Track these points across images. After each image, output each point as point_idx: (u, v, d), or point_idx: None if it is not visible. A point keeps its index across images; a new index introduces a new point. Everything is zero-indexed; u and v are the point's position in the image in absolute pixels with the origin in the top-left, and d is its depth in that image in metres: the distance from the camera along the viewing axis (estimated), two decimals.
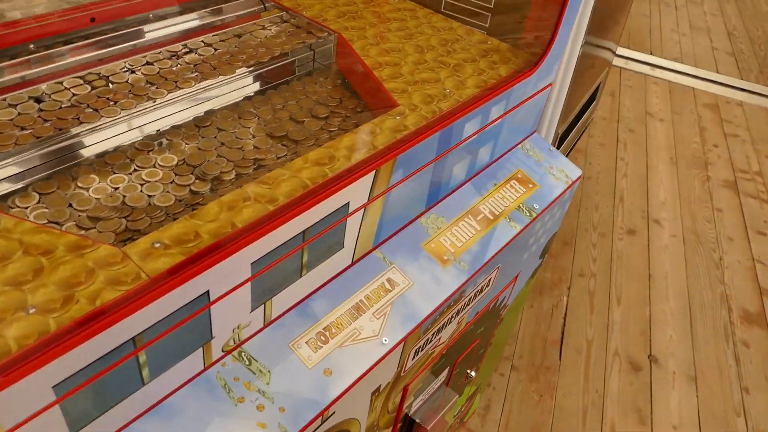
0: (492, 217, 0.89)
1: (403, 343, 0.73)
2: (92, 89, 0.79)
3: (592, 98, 2.29)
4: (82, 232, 0.62)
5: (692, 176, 2.63)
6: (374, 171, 0.67)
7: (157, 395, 0.58)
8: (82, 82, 0.79)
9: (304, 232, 0.62)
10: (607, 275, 2.09)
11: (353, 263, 0.75)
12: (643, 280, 2.10)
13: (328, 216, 0.65)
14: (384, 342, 0.71)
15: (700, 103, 3.14)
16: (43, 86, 0.76)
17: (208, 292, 0.56)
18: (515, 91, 0.87)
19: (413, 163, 0.74)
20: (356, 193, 0.67)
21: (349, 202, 0.67)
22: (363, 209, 0.70)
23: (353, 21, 0.97)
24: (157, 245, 0.55)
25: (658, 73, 3.35)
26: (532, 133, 1.04)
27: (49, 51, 0.79)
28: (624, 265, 2.15)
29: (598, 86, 2.31)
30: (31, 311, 0.47)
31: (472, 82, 0.87)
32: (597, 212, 2.36)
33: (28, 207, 0.65)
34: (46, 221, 0.63)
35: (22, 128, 0.71)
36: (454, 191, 0.89)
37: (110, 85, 0.80)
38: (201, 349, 0.60)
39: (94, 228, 0.64)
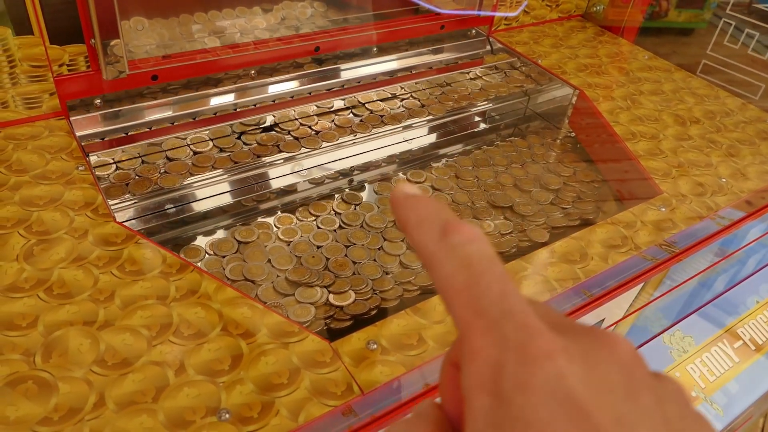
0: (753, 347, 0.69)
1: None
2: (298, 119, 0.71)
3: None
4: (281, 299, 0.53)
5: None
6: (642, 284, 0.52)
7: None
8: (292, 116, 0.71)
9: None
10: None
11: None
12: None
13: None
14: None
15: None
16: (261, 120, 0.70)
17: None
18: None
19: (682, 275, 0.57)
20: (613, 308, 0.52)
21: (604, 319, 0.51)
22: (614, 326, 0.54)
23: (597, 77, 0.82)
24: (373, 347, 0.43)
25: None
26: None
27: (269, 78, 0.72)
28: None
29: None
30: (224, 417, 0.37)
31: (754, 171, 0.68)
32: None
33: (226, 256, 0.57)
34: (243, 278, 0.55)
35: (221, 150, 0.64)
36: (706, 304, 0.70)
37: (316, 118, 0.72)
38: None
39: (293, 295, 0.54)
